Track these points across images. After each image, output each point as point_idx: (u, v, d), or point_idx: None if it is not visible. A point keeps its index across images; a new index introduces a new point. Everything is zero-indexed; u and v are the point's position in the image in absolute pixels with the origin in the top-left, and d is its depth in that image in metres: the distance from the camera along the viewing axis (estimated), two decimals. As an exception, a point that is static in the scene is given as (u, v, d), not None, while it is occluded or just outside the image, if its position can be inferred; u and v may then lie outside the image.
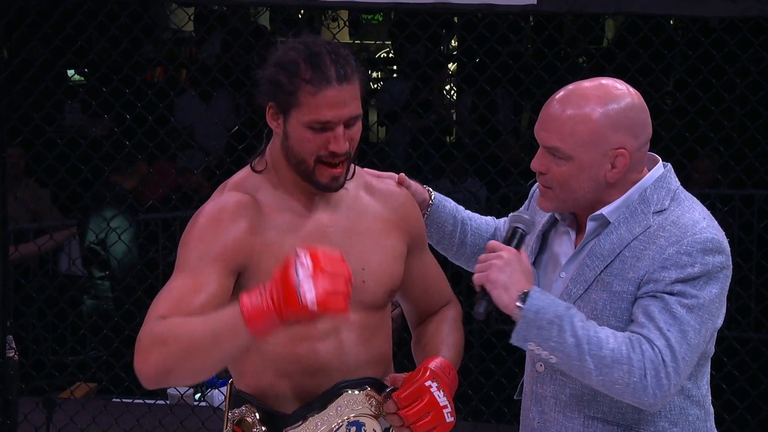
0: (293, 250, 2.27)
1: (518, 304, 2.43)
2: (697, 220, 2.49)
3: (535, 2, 4.09)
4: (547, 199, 2.57)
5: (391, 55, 9.82)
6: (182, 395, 5.19)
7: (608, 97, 2.50)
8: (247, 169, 2.60)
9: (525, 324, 2.43)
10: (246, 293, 2.29)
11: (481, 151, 5.17)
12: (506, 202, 6.26)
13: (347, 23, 5.51)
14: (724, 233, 2.52)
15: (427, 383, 2.51)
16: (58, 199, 6.17)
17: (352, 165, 2.61)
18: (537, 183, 2.63)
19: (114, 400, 5.43)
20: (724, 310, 2.55)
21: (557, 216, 2.64)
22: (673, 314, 2.43)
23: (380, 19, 11.07)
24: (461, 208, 2.90)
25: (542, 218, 2.68)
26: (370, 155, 5.10)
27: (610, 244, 2.52)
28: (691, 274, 2.44)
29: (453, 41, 9.42)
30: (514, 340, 2.45)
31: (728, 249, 2.51)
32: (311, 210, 2.55)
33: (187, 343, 2.34)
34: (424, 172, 5.60)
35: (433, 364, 2.57)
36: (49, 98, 5.30)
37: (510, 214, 2.59)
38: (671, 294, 2.44)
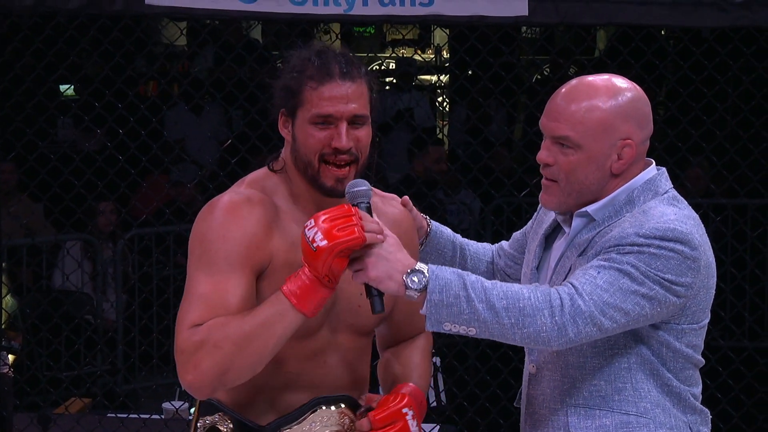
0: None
1: (408, 284, 2.37)
2: (666, 213, 2.49)
3: (527, 14, 4.10)
4: (551, 194, 2.57)
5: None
6: (177, 410, 5.17)
7: (615, 89, 2.53)
8: (263, 169, 2.57)
9: (433, 308, 2.38)
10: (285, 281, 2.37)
11: (474, 163, 5.17)
12: (500, 213, 6.27)
13: (339, 36, 5.51)
14: (700, 233, 2.50)
15: (404, 410, 2.51)
16: (51, 214, 6.17)
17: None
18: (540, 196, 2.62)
19: (109, 415, 5.41)
20: (691, 311, 2.50)
21: (558, 218, 2.64)
22: (592, 267, 2.42)
23: (372, 31, 11.09)
24: (458, 235, 2.91)
25: (546, 224, 2.68)
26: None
27: (588, 236, 2.54)
28: (641, 252, 2.43)
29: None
30: (429, 326, 2.39)
31: (698, 245, 2.47)
32: None
33: (239, 339, 2.35)
34: (418, 183, 5.61)
35: (408, 390, 2.56)
36: (42, 113, 5.30)
37: (346, 191, 2.45)
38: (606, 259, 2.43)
